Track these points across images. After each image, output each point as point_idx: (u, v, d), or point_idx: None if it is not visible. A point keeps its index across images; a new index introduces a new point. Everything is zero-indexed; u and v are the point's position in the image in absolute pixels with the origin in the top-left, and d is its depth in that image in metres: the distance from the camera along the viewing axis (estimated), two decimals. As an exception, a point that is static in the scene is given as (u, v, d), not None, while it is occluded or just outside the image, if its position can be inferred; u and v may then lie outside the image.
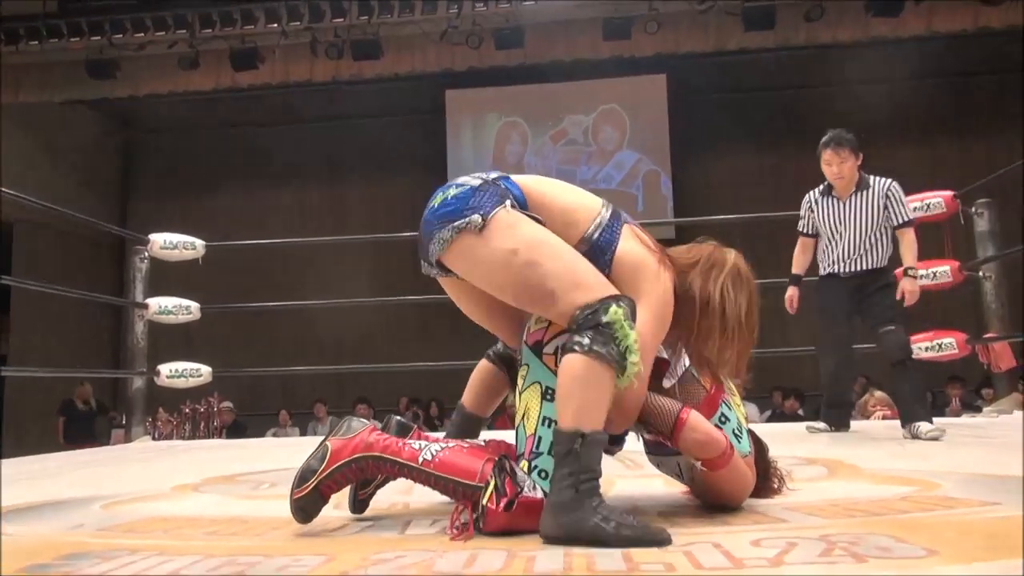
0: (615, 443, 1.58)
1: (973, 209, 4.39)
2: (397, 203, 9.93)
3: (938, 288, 4.27)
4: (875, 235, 3.46)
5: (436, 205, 1.52)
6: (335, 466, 1.48)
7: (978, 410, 5.38)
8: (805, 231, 3.68)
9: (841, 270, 3.50)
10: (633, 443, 1.68)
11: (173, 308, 4.23)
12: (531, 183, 1.58)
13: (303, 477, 1.47)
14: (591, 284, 1.43)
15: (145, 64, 8.91)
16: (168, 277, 4.90)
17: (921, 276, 4.26)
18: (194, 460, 3.36)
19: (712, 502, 1.60)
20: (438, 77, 9.45)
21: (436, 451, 1.47)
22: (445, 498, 1.58)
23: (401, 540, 1.39)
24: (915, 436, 3.15)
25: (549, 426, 1.45)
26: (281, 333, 9.66)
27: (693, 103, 9.97)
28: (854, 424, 3.79)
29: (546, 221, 1.51)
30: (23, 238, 9.76)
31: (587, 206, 1.56)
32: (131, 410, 4.46)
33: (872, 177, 3.50)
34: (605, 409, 1.37)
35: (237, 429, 7.52)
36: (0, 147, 8.72)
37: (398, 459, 1.47)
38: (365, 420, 1.56)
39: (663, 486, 1.97)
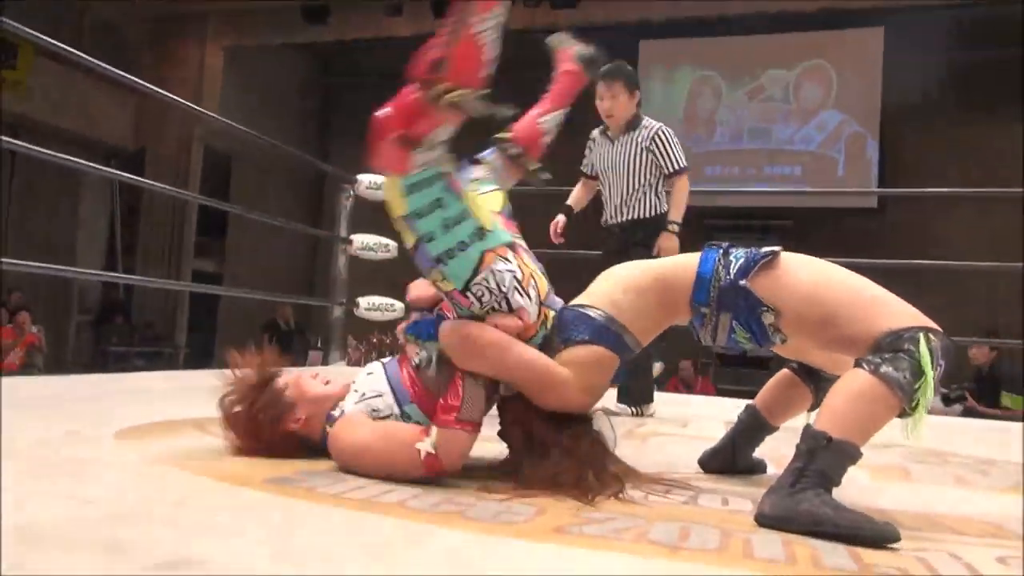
0: None
1: None
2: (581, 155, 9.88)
3: None
4: (641, 183, 3.11)
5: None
6: None
7: None
8: (586, 171, 3.39)
9: (611, 219, 3.18)
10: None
11: (374, 245, 4.48)
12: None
13: None
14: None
15: (353, 10, 9.37)
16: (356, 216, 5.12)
17: None
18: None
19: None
20: (633, 28, 9.20)
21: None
22: (637, 458, 1.55)
23: (606, 501, 1.39)
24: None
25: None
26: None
27: (913, 61, 9.05)
28: None
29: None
30: (238, 170, 10.71)
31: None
32: (330, 336, 4.83)
33: (647, 119, 3.15)
34: (870, 430, 1.30)
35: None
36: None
37: None
38: None
39: (868, 479, 1.85)
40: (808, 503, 1.22)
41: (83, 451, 1.56)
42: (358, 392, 1.55)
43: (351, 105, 12.05)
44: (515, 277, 1.50)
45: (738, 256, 1.49)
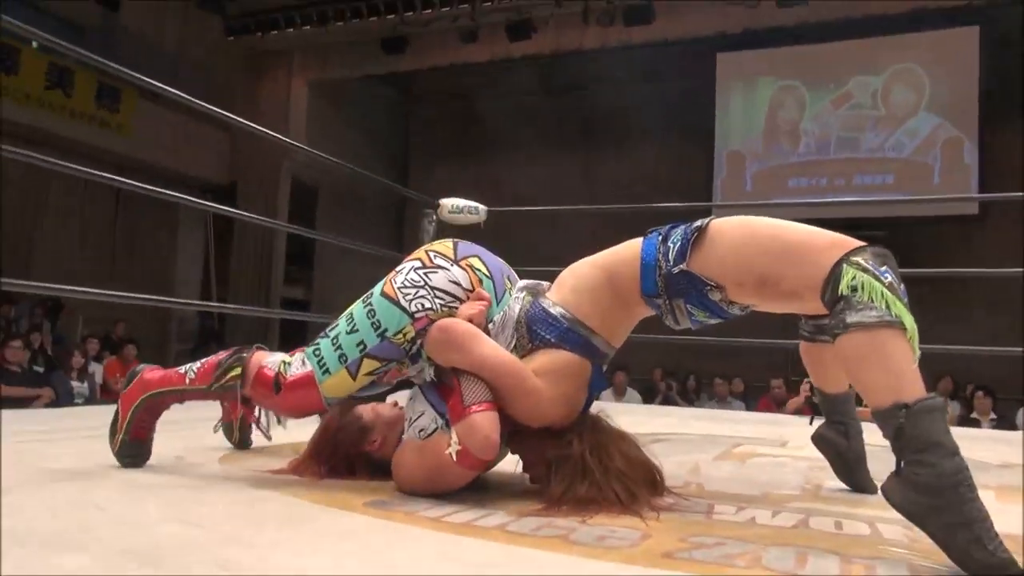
0: None
1: None
2: (657, 171, 9.80)
3: None
4: None
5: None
6: (128, 414, 1.61)
7: None
8: None
9: None
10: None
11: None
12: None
13: (110, 432, 1.63)
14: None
15: (429, 39, 9.57)
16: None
17: None
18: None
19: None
20: (709, 40, 9.08)
21: (198, 366, 1.64)
22: (737, 479, 1.49)
23: (711, 524, 1.34)
24: None
25: (347, 319, 1.63)
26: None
27: (1013, 57, 8.60)
28: None
29: None
30: (324, 201, 11.04)
31: None
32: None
33: None
34: (908, 370, 1.20)
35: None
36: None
37: (172, 388, 1.63)
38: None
39: (993, 500, 1.72)
40: (943, 510, 1.09)
41: (190, 475, 1.61)
42: (407, 419, 1.58)
43: (431, 130, 12.32)
44: (414, 268, 1.62)
45: (675, 240, 1.48)
